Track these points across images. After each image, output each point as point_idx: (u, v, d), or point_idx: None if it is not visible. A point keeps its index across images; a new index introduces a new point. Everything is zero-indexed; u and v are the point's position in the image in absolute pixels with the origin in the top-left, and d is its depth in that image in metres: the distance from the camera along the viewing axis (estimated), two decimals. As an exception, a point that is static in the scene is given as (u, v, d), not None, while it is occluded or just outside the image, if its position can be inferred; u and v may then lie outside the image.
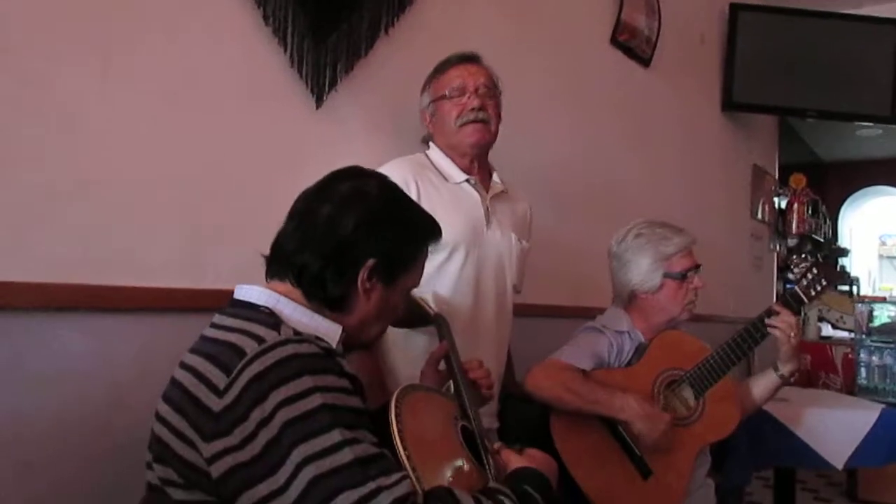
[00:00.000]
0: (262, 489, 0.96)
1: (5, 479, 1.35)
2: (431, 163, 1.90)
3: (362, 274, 1.17)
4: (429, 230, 1.29)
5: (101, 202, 1.51)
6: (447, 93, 1.88)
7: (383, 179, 1.28)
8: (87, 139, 1.49)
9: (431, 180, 1.84)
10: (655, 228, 2.03)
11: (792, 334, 1.95)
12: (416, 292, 1.55)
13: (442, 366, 1.48)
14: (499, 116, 1.92)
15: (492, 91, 1.92)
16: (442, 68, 1.93)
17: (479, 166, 1.92)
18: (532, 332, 2.26)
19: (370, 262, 1.17)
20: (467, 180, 1.89)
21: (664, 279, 1.99)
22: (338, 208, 1.17)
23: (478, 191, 1.90)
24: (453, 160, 1.89)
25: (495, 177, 1.98)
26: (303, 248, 1.17)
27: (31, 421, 1.38)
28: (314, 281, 1.16)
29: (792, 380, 2.08)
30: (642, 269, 2.00)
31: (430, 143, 1.95)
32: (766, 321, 1.97)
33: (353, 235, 1.16)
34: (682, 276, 2.00)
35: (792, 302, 1.99)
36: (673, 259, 2.00)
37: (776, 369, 2.04)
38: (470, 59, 1.93)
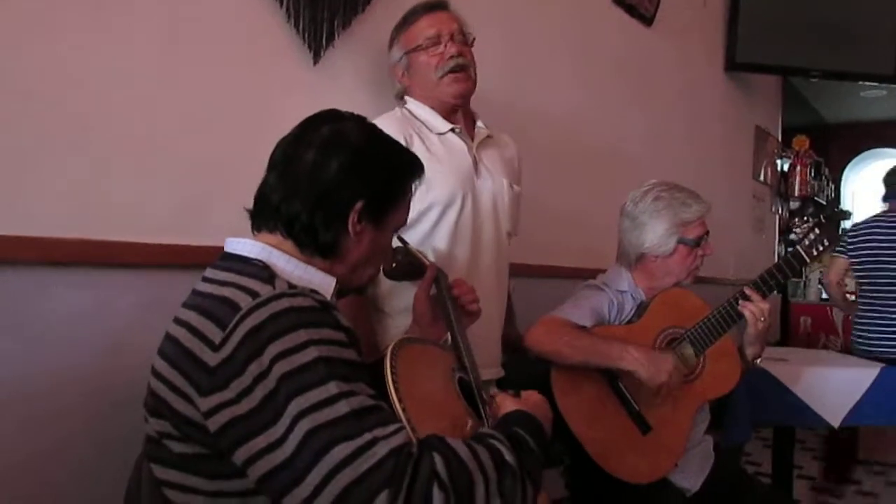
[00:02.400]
0: (260, 442, 0.96)
1: (8, 436, 1.37)
2: (414, 116, 1.85)
3: (352, 217, 1.16)
4: (412, 165, 1.27)
5: (97, 158, 1.50)
6: (422, 43, 1.82)
7: (360, 119, 1.25)
8: (83, 94, 1.48)
9: (418, 135, 1.79)
10: (675, 193, 2.01)
11: (761, 319, 1.94)
12: (413, 247, 1.55)
13: (433, 291, 1.48)
14: (475, 65, 1.87)
15: (465, 37, 1.86)
16: (410, 18, 1.86)
17: (463, 115, 1.88)
18: (532, 292, 2.26)
19: (359, 204, 1.15)
20: (452, 129, 1.84)
21: (678, 245, 1.98)
22: (320, 153, 1.15)
23: (463, 140, 1.86)
24: (435, 110, 1.84)
25: (479, 123, 1.93)
26: (289, 197, 1.15)
27: (32, 376, 1.39)
28: (305, 230, 1.15)
29: (757, 362, 2.07)
30: (658, 233, 1.98)
31: (408, 98, 1.89)
32: (739, 303, 1.95)
33: (338, 179, 1.14)
34: (696, 244, 1.99)
35: (762, 286, 1.98)
36: (689, 226, 1.98)
37: (742, 351, 2.04)
38: (438, 5, 1.87)
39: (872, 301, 3.51)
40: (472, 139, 1.88)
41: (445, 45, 1.81)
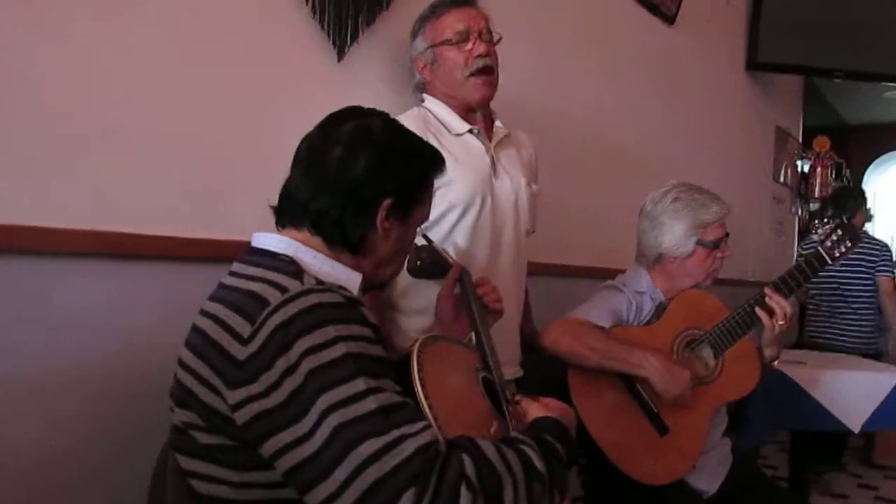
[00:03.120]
0: (287, 436, 0.97)
1: (30, 426, 1.39)
2: (434, 116, 1.83)
3: (380, 214, 1.16)
4: (434, 160, 1.28)
5: (122, 152, 1.51)
6: (451, 37, 1.80)
7: (384, 115, 1.26)
8: (108, 89, 1.49)
9: (435, 136, 1.77)
10: (694, 194, 2.00)
11: (779, 322, 1.93)
12: (438, 244, 1.55)
13: (457, 290, 1.49)
14: (498, 63, 1.85)
15: (492, 36, 1.85)
16: (438, 10, 1.84)
17: (482, 116, 1.87)
18: (550, 292, 2.26)
19: (387, 200, 1.16)
20: (470, 130, 1.83)
21: (696, 246, 1.98)
22: (347, 149, 1.16)
23: (481, 140, 1.84)
24: (454, 110, 1.83)
25: (497, 122, 1.91)
26: (317, 194, 1.16)
27: (54, 366, 1.41)
28: (334, 226, 1.16)
29: (775, 364, 2.06)
30: (676, 234, 1.97)
31: (425, 95, 1.88)
32: (759, 303, 1.94)
33: (365, 176, 1.15)
34: (715, 245, 1.99)
35: (783, 287, 1.96)
36: (708, 228, 1.98)
37: (760, 353, 2.02)
38: (468, 0, 1.85)
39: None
40: (490, 139, 1.87)
41: (474, 43, 1.79)
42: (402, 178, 1.19)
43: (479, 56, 1.79)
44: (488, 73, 1.81)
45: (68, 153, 1.43)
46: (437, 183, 1.70)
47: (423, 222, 1.29)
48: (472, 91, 1.80)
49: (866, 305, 4.00)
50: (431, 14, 1.85)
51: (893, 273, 4.01)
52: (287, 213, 1.20)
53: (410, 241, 1.29)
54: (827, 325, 4.09)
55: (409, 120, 1.74)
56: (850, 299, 4.01)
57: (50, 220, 1.39)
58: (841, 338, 4.02)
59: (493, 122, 1.92)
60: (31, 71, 1.38)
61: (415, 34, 1.89)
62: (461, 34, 1.80)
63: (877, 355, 3.94)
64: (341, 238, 1.16)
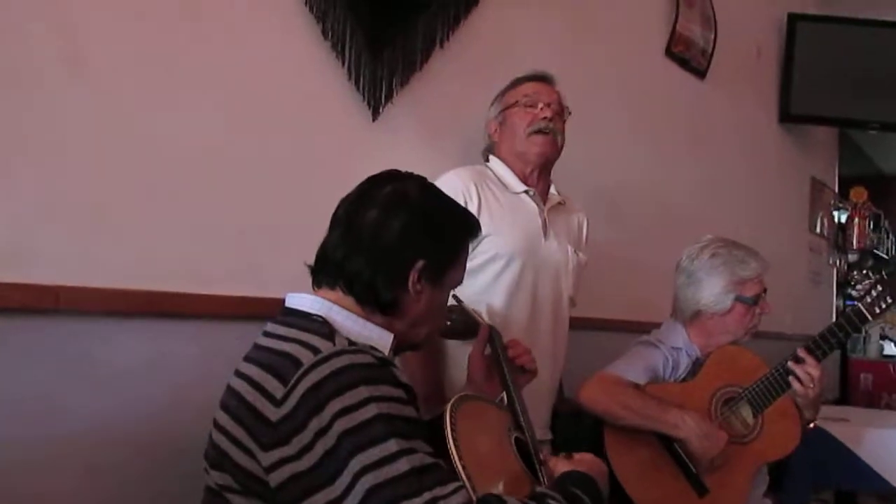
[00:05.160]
0: (321, 498, 0.97)
1: (75, 481, 1.40)
2: (493, 173, 1.91)
3: (412, 276, 1.18)
4: (469, 225, 1.30)
5: (166, 211, 1.55)
6: (520, 100, 1.90)
7: (421, 180, 1.28)
8: (150, 148, 1.53)
9: (492, 189, 1.85)
10: (733, 250, 1.99)
11: (811, 387, 1.88)
12: (469, 304, 1.56)
13: (488, 350, 1.49)
14: (563, 137, 1.93)
15: (561, 111, 1.94)
16: (517, 82, 1.95)
17: (539, 179, 1.92)
18: (585, 346, 2.24)
19: (420, 263, 1.18)
20: (526, 191, 1.89)
21: (735, 302, 1.96)
22: (382, 212, 1.18)
23: (536, 202, 1.90)
24: (514, 171, 1.90)
25: (553, 189, 1.98)
26: (351, 255, 1.18)
27: (98, 424, 1.42)
28: (366, 288, 1.17)
29: (811, 426, 2.02)
30: (715, 290, 1.96)
31: (491, 157, 1.96)
32: (789, 366, 1.89)
33: (399, 239, 1.17)
34: (754, 301, 1.97)
35: (817, 348, 1.91)
36: (747, 284, 1.96)
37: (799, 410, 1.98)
38: (546, 78, 1.96)
39: None
40: (545, 203, 1.92)
41: (541, 108, 1.88)
42: (435, 241, 1.21)
43: (544, 118, 1.87)
44: (549, 133, 1.88)
45: (113, 212, 1.47)
46: (483, 231, 1.75)
47: (456, 285, 1.30)
48: (531, 145, 1.88)
49: None
50: (509, 86, 1.96)
51: None
52: (322, 273, 1.22)
53: (444, 304, 1.29)
54: None
55: (465, 170, 1.83)
56: None
57: (94, 280, 1.42)
58: None
59: (548, 187, 1.97)
60: (76, 129, 1.42)
61: (492, 104, 1.99)
62: (530, 98, 1.89)
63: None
64: (374, 299, 1.18)
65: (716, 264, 1.97)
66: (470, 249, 1.32)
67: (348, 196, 1.26)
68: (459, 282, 1.31)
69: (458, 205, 1.33)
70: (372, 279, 1.17)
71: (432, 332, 1.32)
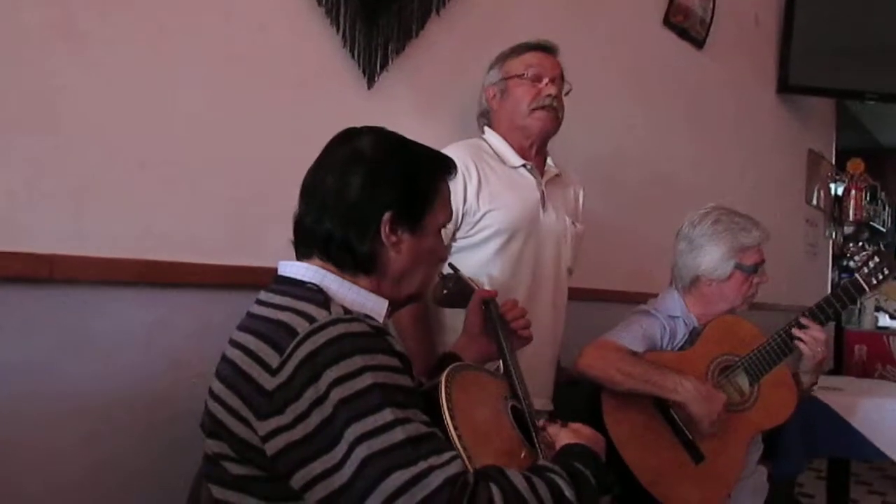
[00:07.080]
0: (317, 467, 0.97)
1: (67, 451, 1.40)
2: (490, 146, 1.90)
3: (384, 229, 1.16)
4: (437, 163, 1.27)
5: (161, 181, 1.54)
6: (524, 73, 1.87)
7: (377, 131, 1.24)
8: (146, 119, 1.52)
9: (490, 164, 1.84)
10: (734, 217, 1.99)
11: (818, 349, 1.90)
12: (469, 276, 1.55)
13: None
14: (564, 111, 1.92)
15: (563, 86, 1.92)
16: (519, 50, 1.92)
17: (536, 152, 1.92)
18: (583, 316, 2.24)
19: (387, 215, 1.16)
20: (524, 165, 1.88)
21: (734, 270, 1.96)
22: (339, 175, 1.17)
23: (533, 175, 1.89)
24: (512, 145, 1.89)
25: (549, 161, 1.97)
26: (321, 219, 1.16)
27: (95, 392, 1.43)
28: (340, 247, 1.16)
29: (814, 389, 2.04)
30: (715, 257, 1.96)
31: (487, 128, 1.94)
32: (793, 332, 1.92)
33: (361, 195, 1.15)
34: (753, 270, 1.96)
35: (819, 315, 1.94)
36: (748, 252, 1.96)
37: (797, 379, 1.99)
38: (550, 49, 1.94)
39: None
40: (542, 176, 1.92)
41: (546, 84, 1.86)
42: (398, 189, 1.18)
43: (548, 95, 1.86)
44: (552, 111, 1.87)
45: (107, 182, 1.46)
46: (484, 207, 1.75)
47: (442, 226, 1.27)
48: (533, 121, 1.86)
49: None
50: (511, 52, 1.93)
51: None
52: (301, 244, 1.21)
53: (433, 248, 1.25)
54: None
55: (461, 147, 1.81)
56: None
57: (89, 249, 1.42)
58: None
59: (545, 160, 1.96)
60: (71, 101, 1.41)
61: (491, 67, 1.95)
62: (536, 73, 1.87)
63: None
64: (351, 260, 1.16)
65: (718, 230, 1.96)
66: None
67: (311, 165, 1.24)
68: (444, 222, 1.27)
69: (420, 147, 1.27)
70: (345, 238, 1.15)
71: (428, 278, 1.29)
